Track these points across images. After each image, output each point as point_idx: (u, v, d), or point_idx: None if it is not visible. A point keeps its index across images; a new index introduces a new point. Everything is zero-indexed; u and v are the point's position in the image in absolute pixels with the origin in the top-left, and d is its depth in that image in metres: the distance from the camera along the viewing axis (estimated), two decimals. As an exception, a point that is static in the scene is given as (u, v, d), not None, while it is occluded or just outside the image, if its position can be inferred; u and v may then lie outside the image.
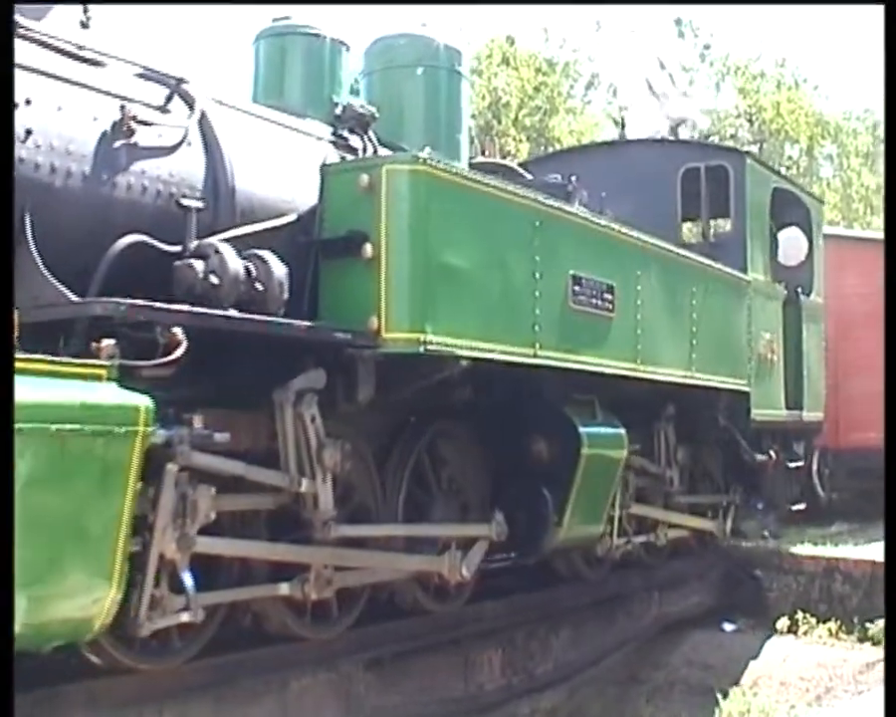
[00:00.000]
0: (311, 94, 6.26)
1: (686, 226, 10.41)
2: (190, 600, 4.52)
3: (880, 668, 7.70)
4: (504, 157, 7.23)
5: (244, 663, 5.19)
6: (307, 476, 5.09)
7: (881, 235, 10.53)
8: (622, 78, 21.38)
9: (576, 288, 6.38)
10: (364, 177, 5.23)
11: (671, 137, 9.93)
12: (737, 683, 7.65)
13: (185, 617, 4.51)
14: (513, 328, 5.91)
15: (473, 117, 15.83)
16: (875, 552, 9.57)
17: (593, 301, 6.58)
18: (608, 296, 6.75)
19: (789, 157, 18.91)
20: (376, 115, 6.14)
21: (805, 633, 8.95)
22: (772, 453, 9.51)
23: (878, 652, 8.20)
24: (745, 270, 8.92)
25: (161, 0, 18.61)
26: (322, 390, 5.22)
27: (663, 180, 9.16)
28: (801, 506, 10.84)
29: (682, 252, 7.97)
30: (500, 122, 16.05)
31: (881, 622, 8.54)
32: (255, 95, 6.33)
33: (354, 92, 7.03)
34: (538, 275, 6.06)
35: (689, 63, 19.15)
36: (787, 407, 9.72)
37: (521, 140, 16.10)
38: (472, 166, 7.34)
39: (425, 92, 7.05)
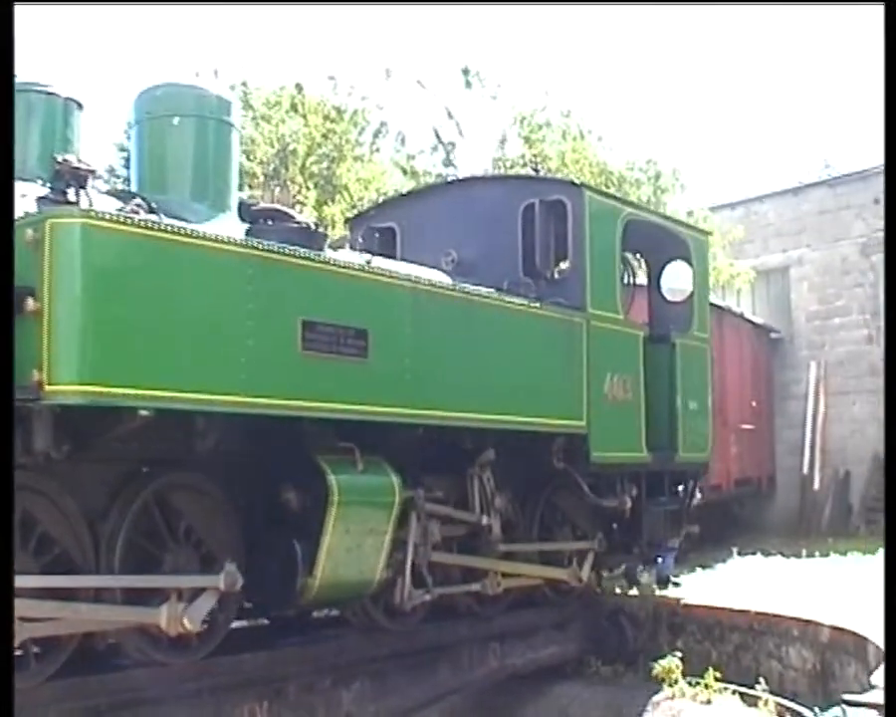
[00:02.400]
0: (38, 151, 6.58)
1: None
2: None
3: (666, 706, 7.82)
4: (292, 205, 7.42)
5: None
6: (-44, 529, 5.33)
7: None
8: (410, 126, 22.30)
9: (309, 334, 6.54)
10: (29, 232, 5.51)
11: (515, 174, 10.03)
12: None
13: None
14: (218, 376, 6.09)
15: (261, 163, 16.29)
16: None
17: (337, 347, 6.72)
18: (360, 341, 6.89)
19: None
20: (93, 168, 6.40)
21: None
22: (626, 498, 9.49)
23: (664, 691, 8.55)
24: (584, 307, 8.96)
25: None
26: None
27: (504, 218, 9.27)
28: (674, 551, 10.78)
29: (484, 292, 8.06)
30: (287, 169, 16.51)
31: (664, 661, 8.65)
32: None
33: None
34: (251, 323, 6.24)
35: (476, 112, 19.81)
36: (652, 449, 9.67)
37: (308, 187, 16.54)
38: (250, 212, 7.57)
39: (194, 142, 7.34)
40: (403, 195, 10.96)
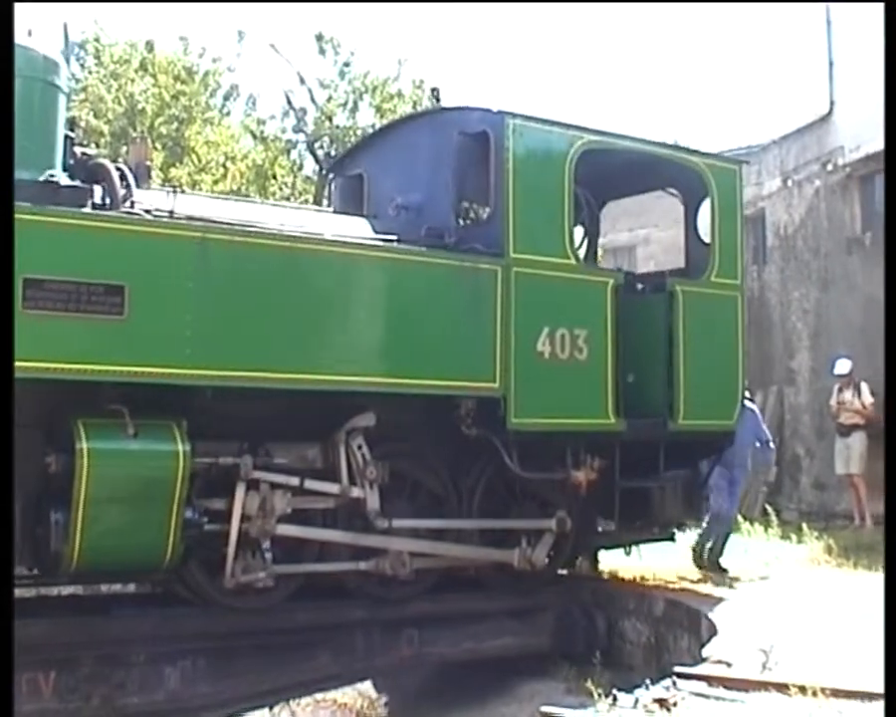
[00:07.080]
0: None
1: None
2: None
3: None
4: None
5: None
6: None
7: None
8: (262, 90, 20.44)
9: (31, 291, 6.42)
10: None
11: (453, 106, 9.00)
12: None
13: None
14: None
15: (108, 122, 15.56)
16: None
17: (77, 304, 6.54)
18: (114, 298, 6.67)
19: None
20: None
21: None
22: (580, 472, 8.42)
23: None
24: (504, 252, 8.03)
25: None
26: None
27: (442, 155, 8.54)
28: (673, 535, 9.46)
29: (322, 239, 7.49)
30: (136, 129, 15.79)
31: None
32: None
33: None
34: (-52, 281, 6.22)
35: (328, 79, 19.38)
36: (630, 415, 8.49)
37: (157, 149, 15.82)
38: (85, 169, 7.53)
39: (18, 102, 7.40)
40: (369, 137, 10.29)
